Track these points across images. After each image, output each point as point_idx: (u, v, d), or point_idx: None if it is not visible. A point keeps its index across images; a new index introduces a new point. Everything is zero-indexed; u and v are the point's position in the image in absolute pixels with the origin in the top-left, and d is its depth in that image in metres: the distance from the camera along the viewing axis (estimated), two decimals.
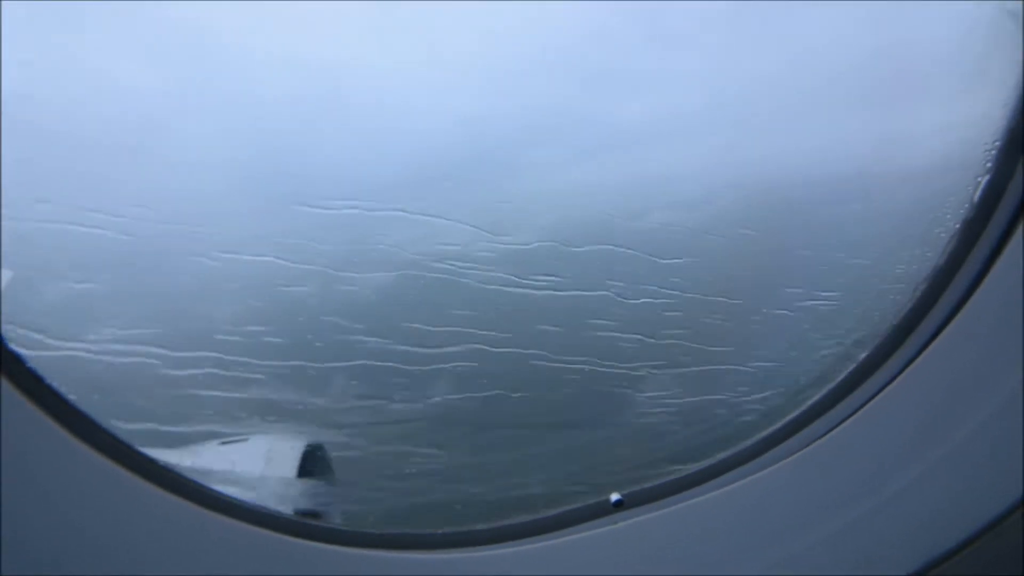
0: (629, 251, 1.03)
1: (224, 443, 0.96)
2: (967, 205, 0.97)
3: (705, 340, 1.03)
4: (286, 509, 0.97)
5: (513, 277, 1.02)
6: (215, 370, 0.95)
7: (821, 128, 1.05)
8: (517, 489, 0.97)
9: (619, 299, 1.03)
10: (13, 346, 0.83)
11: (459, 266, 1.01)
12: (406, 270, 1.01)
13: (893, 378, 0.92)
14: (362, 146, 1.01)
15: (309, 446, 1.01)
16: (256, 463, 0.98)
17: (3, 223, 0.87)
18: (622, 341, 1.05)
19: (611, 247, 1.04)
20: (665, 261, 1.03)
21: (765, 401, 0.98)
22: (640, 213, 1.05)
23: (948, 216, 0.97)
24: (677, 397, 1.01)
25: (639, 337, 1.05)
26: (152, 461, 0.87)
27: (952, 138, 1.00)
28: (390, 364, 0.99)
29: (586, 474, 1.01)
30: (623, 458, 1.02)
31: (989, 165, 0.96)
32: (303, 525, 0.92)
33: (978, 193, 0.96)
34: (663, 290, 1.02)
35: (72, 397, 0.86)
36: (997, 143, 0.97)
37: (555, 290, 1.03)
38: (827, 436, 0.92)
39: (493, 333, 1.02)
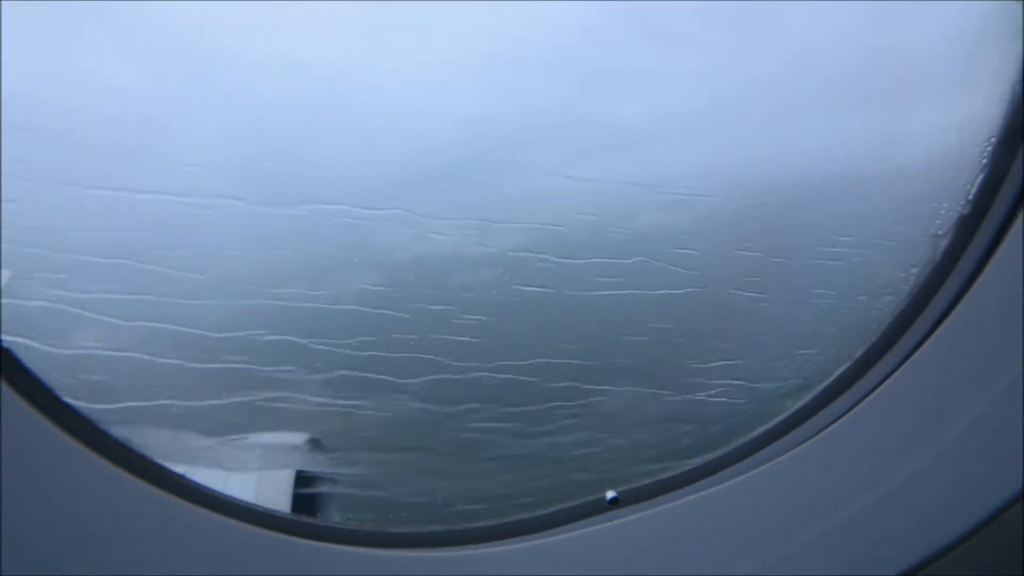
0: (624, 251, 1.03)
1: (222, 443, 0.96)
2: (964, 201, 0.96)
3: (697, 339, 1.03)
4: (284, 507, 0.97)
5: (508, 277, 1.02)
6: (208, 370, 0.95)
7: (819, 128, 1.05)
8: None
9: (613, 299, 1.03)
10: (11, 347, 0.83)
11: (455, 265, 1.01)
12: (401, 269, 1.01)
13: (890, 374, 0.91)
14: (361, 146, 1.01)
15: (307, 443, 1.01)
16: (254, 462, 0.98)
17: (2, 224, 0.88)
18: (616, 339, 1.05)
19: (607, 247, 1.04)
20: (657, 263, 1.03)
21: (761, 395, 0.98)
22: (637, 213, 1.05)
23: (946, 213, 0.97)
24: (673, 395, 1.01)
25: (635, 335, 1.05)
26: (150, 461, 0.87)
27: (950, 136, 1.00)
28: (379, 364, 1.00)
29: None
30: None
31: (986, 162, 0.96)
32: (301, 524, 0.92)
33: (975, 189, 0.96)
34: (655, 292, 1.02)
35: (69, 398, 0.86)
36: (994, 140, 0.97)
37: (549, 290, 1.03)
38: (825, 432, 0.92)
39: (481, 334, 1.02)
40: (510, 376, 1.00)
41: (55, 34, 0.91)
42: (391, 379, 1.00)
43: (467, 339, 1.03)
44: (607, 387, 1.04)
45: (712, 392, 1.02)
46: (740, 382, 1.01)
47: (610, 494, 0.92)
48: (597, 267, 1.06)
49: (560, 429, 1.00)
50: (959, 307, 0.90)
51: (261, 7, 0.96)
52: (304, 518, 0.96)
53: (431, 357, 1.01)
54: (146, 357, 0.94)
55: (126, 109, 0.95)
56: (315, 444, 1.01)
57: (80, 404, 0.87)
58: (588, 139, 1.06)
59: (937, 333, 0.90)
